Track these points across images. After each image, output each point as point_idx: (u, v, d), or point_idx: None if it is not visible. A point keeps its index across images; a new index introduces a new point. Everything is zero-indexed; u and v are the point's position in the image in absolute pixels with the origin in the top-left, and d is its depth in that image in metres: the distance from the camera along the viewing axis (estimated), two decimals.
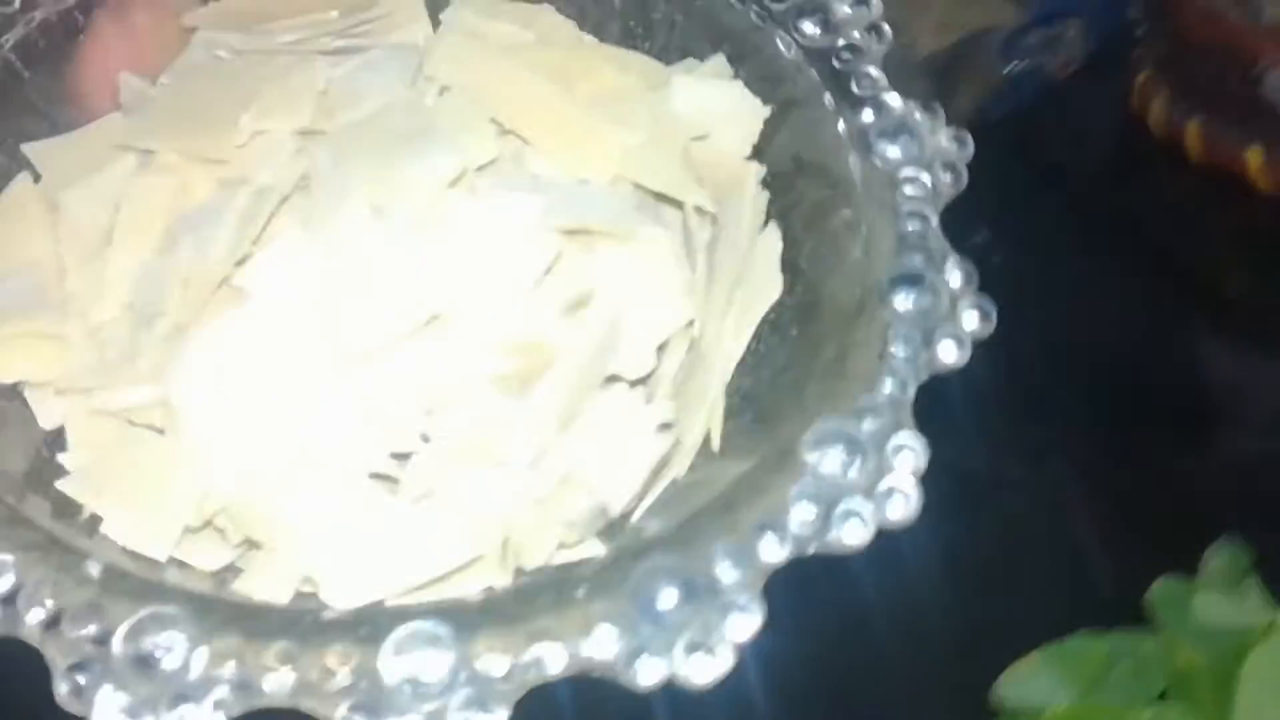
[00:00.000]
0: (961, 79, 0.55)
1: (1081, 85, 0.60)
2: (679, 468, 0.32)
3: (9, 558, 0.26)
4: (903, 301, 0.30)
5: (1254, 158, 0.57)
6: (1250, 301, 0.56)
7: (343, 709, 0.24)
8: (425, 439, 0.30)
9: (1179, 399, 0.49)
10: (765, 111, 0.36)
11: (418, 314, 0.30)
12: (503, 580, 0.30)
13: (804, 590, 0.29)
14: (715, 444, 0.32)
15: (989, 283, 0.32)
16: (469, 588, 0.29)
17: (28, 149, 0.35)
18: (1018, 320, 0.35)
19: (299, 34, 0.35)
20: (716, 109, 0.36)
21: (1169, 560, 0.38)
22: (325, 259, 0.31)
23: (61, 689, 0.25)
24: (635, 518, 0.31)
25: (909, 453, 0.28)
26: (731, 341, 0.33)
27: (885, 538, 0.28)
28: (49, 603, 0.25)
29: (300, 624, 0.25)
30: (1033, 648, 0.36)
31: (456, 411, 0.30)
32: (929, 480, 0.28)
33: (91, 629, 0.25)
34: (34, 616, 0.25)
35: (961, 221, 0.35)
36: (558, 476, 0.30)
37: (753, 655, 0.25)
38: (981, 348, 0.31)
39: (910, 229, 0.32)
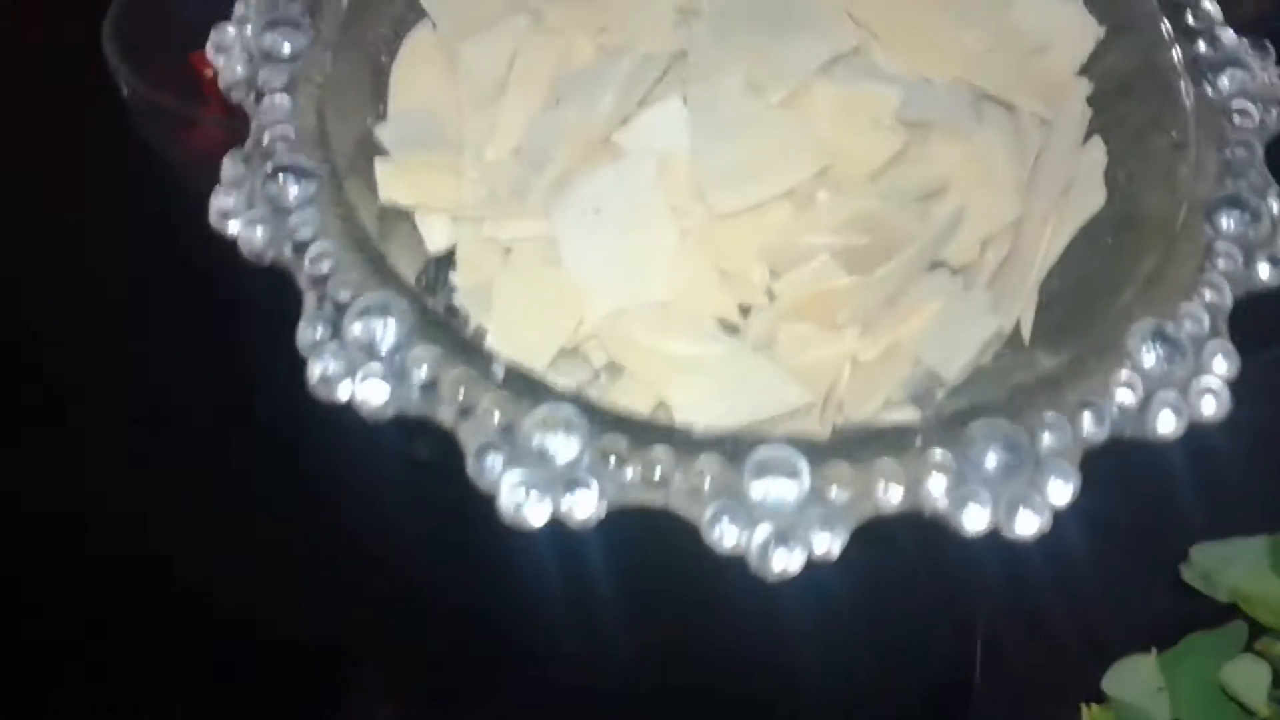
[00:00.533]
0: None
1: None
2: (987, 354, 0.35)
3: (429, 351, 0.30)
4: (1225, 222, 0.33)
5: None
6: None
7: (710, 510, 0.28)
8: (770, 296, 0.34)
9: None
10: (1099, 32, 0.38)
11: (779, 184, 0.33)
12: (824, 429, 0.33)
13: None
14: (1026, 336, 0.35)
15: None
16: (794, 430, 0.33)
17: (426, 2, 0.39)
18: None
19: None
20: (1053, 25, 0.39)
21: None
22: (699, 125, 0.34)
23: (471, 466, 0.29)
24: (942, 395, 0.35)
25: (1223, 358, 0.30)
26: (1050, 243, 0.36)
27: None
28: (461, 394, 0.30)
29: (674, 436, 0.29)
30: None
31: (801, 276, 0.34)
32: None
33: (497, 419, 0.29)
34: (448, 407, 0.30)
35: None
36: (886, 343, 0.34)
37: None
38: None
39: (1237, 155, 0.34)
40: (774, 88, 0.34)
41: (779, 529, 0.28)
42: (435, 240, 0.36)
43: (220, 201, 0.32)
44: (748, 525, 0.28)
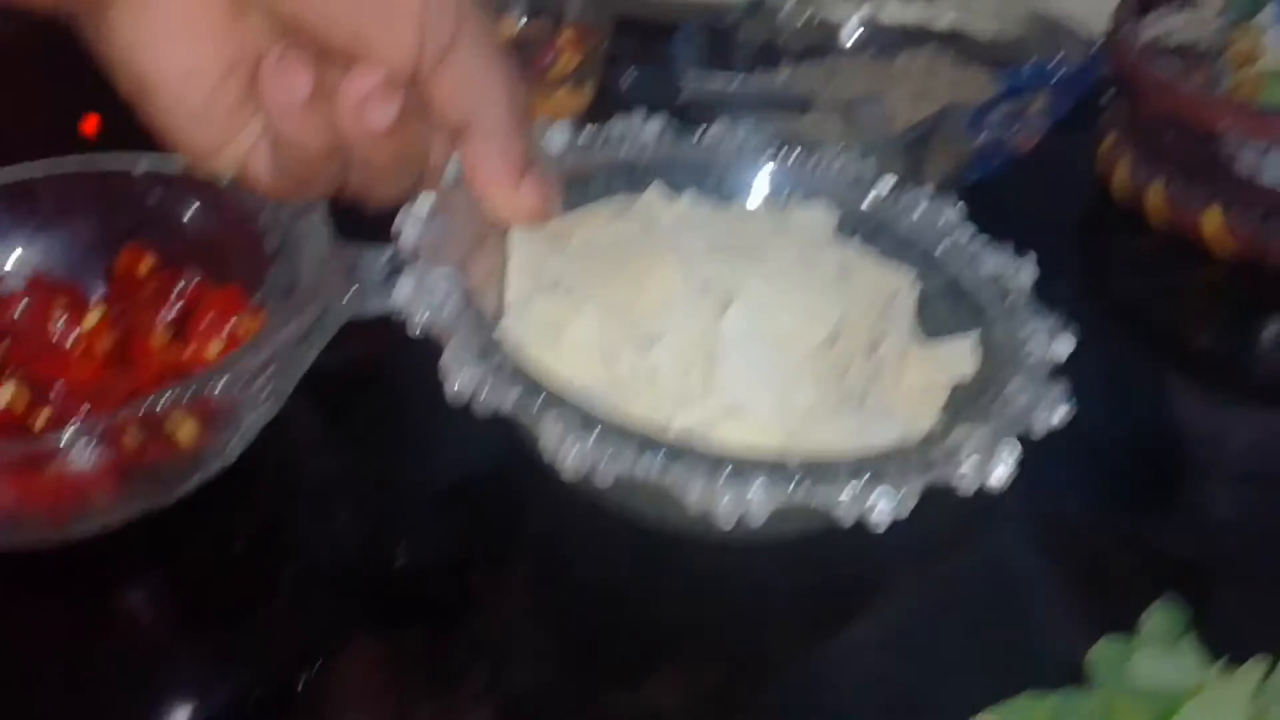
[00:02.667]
0: (936, 149, 0.67)
1: (1053, 149, 0.71)
2: None
3: None
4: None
5: (1210, 221, 0.65)
6: (1208, 358, 0.65)
7: None
8: None
9: (1133, 456, 0.58)
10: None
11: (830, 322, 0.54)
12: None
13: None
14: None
15: None
16: None
17: (507, 327, 0.53)
18: None
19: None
20: None
21: (1114, 620, 0.42)
22: (762, 307, 0.54)
23: None
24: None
25: None
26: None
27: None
28: None
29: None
30: (983, 707, 0.41)
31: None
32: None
33: None
34: None
35: None
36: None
37: None
38: None
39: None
40: (787, 279, 0.55)
41: None
42: None
43: None
44: None
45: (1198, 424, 0.61)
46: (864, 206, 0.60)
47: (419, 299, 0.49)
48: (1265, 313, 0.67)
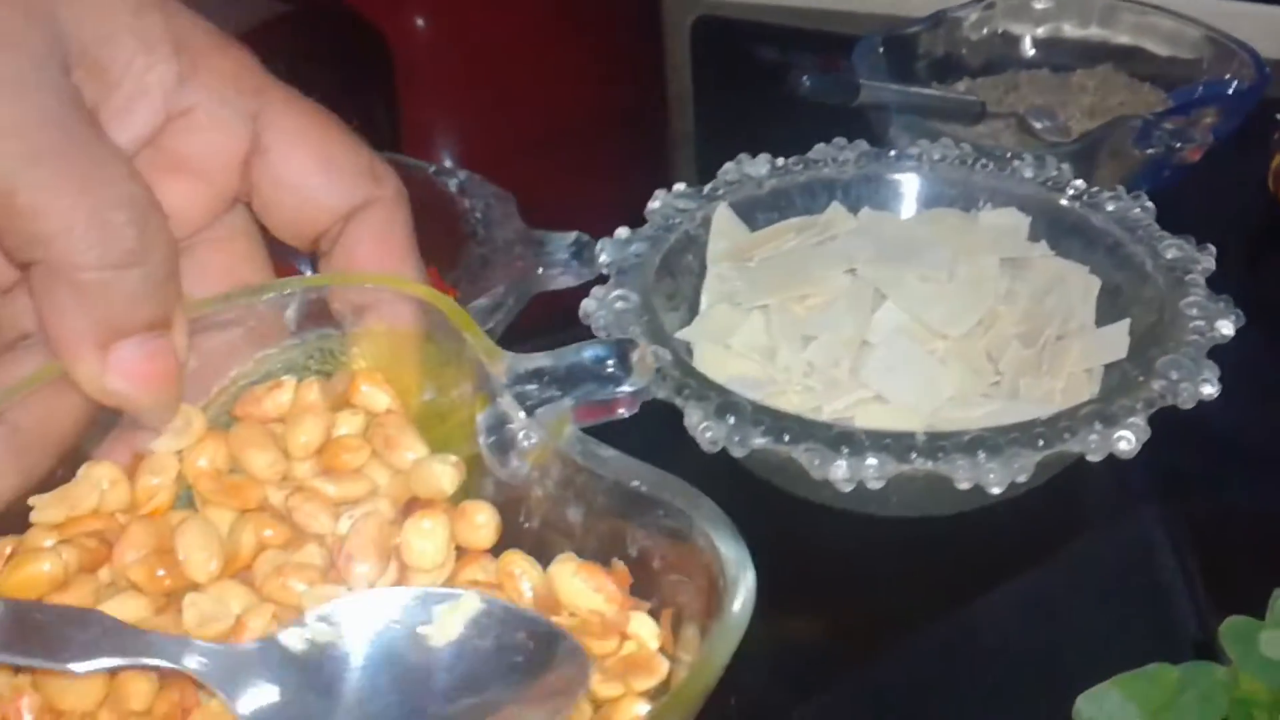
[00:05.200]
0: (1105, 159, 0.72)
1: (1226, 163, 0.75)
2: None
3: None
4: None
5: None
6: None
7: None
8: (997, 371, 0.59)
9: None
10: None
11: (978, 314, 0.60)
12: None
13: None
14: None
15: None
16: None
17: (683, 334, 0.62)
18: None
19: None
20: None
21: (1244, 601, 0.44)
22: (913, 305, 0.60)
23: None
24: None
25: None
26: None
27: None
28: None
29: None
30: (1114, 674, 0.42)
31: (1009, 357, 0.60)
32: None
33: None
34: None
35: None
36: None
37: None
38: None
39: None
40: (937, 275, 0.61)
41: None
42: None
43: None
44: None
45: None
46: (1052, 208, 0.65)
47: (603, 308, 0.58)
48: None
